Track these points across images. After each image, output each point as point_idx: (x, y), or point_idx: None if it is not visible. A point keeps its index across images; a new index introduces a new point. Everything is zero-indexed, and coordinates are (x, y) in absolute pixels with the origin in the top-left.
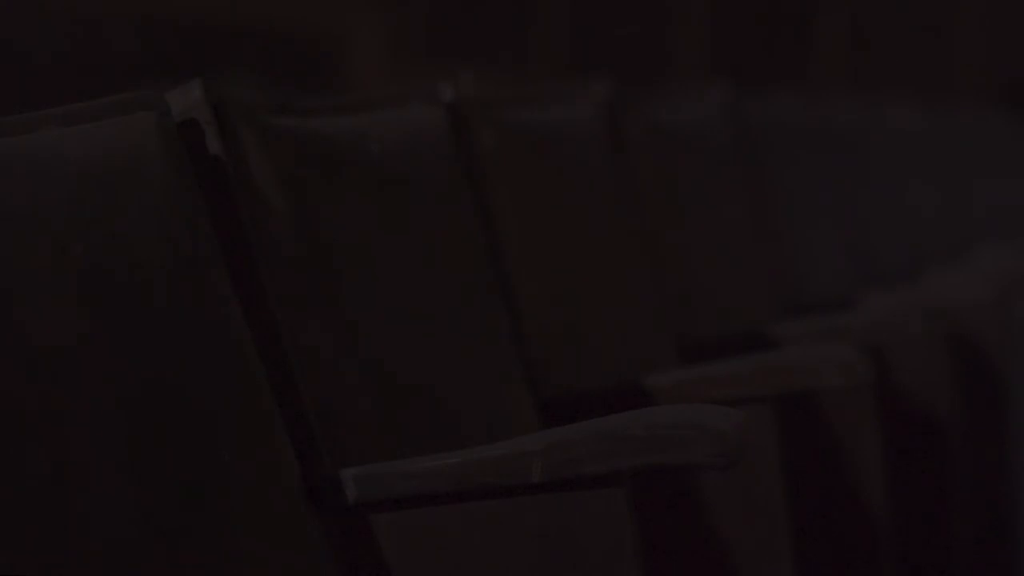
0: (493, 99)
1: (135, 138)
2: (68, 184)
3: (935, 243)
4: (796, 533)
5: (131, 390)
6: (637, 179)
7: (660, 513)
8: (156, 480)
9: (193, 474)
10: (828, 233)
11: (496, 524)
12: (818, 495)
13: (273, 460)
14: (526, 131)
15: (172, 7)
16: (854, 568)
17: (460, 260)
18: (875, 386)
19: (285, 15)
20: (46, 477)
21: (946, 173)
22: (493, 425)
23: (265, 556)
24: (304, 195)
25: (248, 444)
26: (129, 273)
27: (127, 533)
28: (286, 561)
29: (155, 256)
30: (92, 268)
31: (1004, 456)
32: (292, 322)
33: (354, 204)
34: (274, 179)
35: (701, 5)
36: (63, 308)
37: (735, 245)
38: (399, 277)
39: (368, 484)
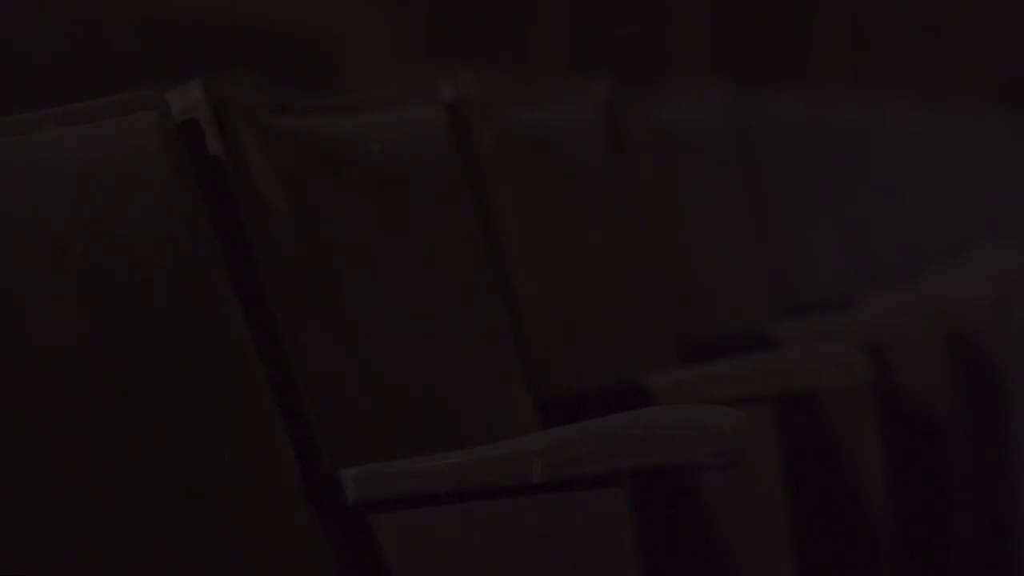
0: (493, 99)
1: (135, 138)
2: (68, 184)
3: (935, 243)
4: (796, 533)
5: (131, 390)
6: (637, 179)
7: (660, 513)
8: (156, 480)
9: (193, 474)
10: (828, 233)
11: (496, 524)
12: (818, 495)
13: (273, 460)
14: (526, 131)
15: (172, 7)
16: (854, 568)
17: (460, 260)
18: (875, 386)
19: (285, 15)
20: (46, 477)
21: (946, 173)
22: (493, 425)
23: (265, 556)
24: (304, 195)
25: (248, 444)
26: (129, 273)
27: (127, 533)
28: (286, 561)
29: (155, 256)
30: (92, 268)
31: (1004, 456)
32: (292, 322)
33: (354, 204)
34: (274, 179)
35: (701, 5)
36: (63, 308)
37: (735, 245)
38: (399, 277)
39: (368, 484)
